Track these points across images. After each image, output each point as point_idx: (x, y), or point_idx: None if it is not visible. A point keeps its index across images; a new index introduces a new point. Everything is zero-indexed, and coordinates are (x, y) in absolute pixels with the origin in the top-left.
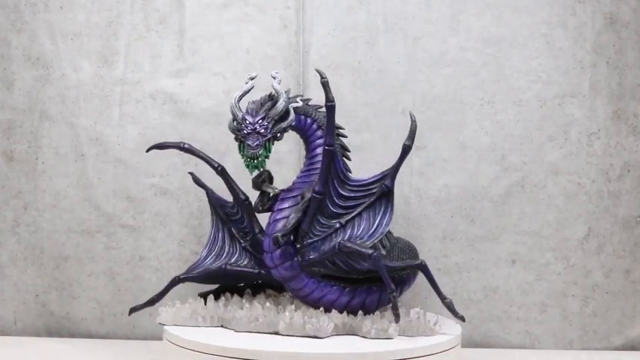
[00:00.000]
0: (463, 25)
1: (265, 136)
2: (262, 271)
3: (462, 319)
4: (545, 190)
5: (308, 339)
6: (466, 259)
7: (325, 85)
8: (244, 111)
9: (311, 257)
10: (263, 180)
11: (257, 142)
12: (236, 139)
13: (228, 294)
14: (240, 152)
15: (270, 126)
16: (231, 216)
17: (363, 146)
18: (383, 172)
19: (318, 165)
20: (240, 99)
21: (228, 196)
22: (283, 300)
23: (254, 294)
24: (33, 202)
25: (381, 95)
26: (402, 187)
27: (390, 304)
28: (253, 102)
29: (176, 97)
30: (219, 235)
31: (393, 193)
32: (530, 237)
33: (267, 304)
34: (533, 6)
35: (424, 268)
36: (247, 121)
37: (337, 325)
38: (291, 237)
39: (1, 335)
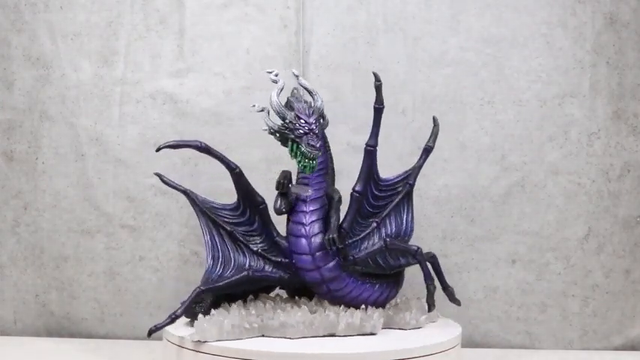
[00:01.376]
0: (463, 25)
1: (318, 135)
2: (285, 275)
3: (458, 303)
4: (545, 190)
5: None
6: (466, 259)
7: (378, 88)
8: (296, 110)
9: (356, 257)
10: (290, 180)
11: (319, 143)
12: (283, 138)
13: (240, 301)
14: (292, 153)
15: (320, 125)
16: (233, 219)
17: (363, 146)
18: (406, 172)
19: (324, 164)
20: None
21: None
22: (303, 302)
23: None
24: (33, 202)
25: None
26: None
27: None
28: (298, 100)
29: (176, 97)
30: (217, 239)
31: (412, 192)
32: (530, 237)
33: (304, 306)
34: (533, 6)
35: (435, 259)
36: (303, 121)
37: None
38: None
39: (1, 335)
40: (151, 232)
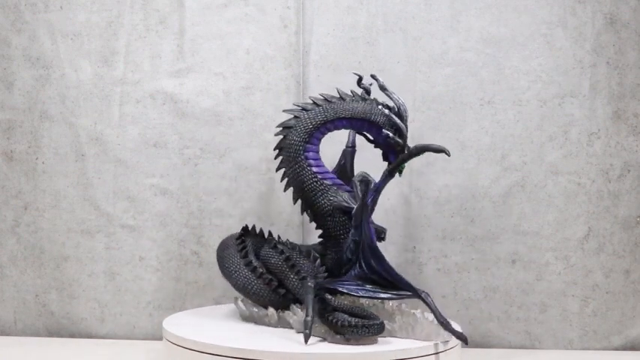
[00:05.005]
0: (463, 25)
1: None
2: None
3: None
4: (545, 190)
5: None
6: (466, 259)
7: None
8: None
9: None
10: None
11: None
12: (401, 149)
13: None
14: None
15: None
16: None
17: (363, 146)
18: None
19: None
20: None
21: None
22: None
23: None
24: (33, 202)
25: (382, 95)
26: (402, 187)
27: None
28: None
29: (176, 97)
30: None
31: None
32: (530, 237)
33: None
34: (533, 6)
35: None
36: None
37: None
38: None
39: (1, 335)
40: (151, 232)
